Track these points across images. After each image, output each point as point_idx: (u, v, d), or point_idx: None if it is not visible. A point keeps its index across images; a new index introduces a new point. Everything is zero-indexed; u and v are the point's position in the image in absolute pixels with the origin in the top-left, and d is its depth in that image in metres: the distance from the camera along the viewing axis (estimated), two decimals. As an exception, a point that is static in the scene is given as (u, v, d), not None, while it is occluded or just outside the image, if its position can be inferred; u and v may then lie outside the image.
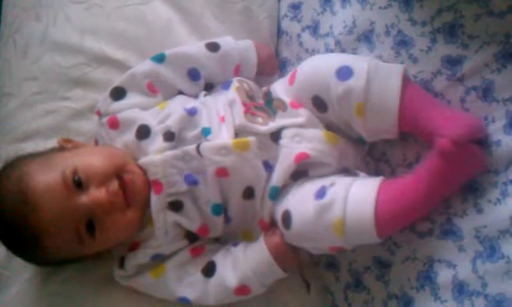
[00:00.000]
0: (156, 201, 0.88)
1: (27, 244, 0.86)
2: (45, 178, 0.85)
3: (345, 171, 0.91)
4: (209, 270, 0.91)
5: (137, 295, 0.94)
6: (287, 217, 0.87)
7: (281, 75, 1.04)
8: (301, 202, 0.87)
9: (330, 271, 0.97)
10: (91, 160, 0.88)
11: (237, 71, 1.03)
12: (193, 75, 1.00)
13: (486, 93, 0.82)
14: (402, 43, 0.90)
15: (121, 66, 1.03)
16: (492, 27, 0.81)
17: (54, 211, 0.83)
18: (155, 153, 0.90)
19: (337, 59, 0.89)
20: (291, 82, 0.94)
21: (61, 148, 0.95)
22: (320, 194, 0.85)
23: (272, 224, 0.92)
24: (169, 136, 0.91)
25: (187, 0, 1.10)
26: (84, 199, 0.84)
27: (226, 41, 1.03)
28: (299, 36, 1.09)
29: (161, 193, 0.88)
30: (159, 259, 0.92)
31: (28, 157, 0.92)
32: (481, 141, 0.81)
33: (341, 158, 0.91)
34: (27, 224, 0.83)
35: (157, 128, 0.91)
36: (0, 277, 1.00)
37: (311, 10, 1.06)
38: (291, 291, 0.97)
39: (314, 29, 1.05)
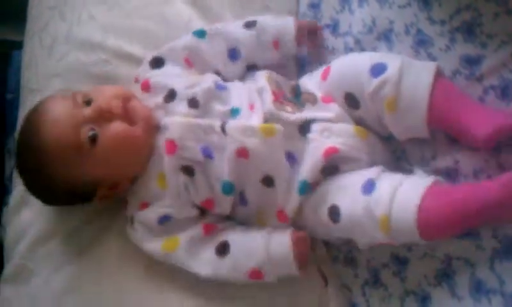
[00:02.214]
0: (169, 161, 0.90)
1: (33, 153, 0.90)
2: (59, 103, 0.93)
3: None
4: (223, 249, 0.91)
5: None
6: (334, 212, 0.86)
7: (302, 74, 1.04)
8: (348, 196, 0.86)
9: (349, 268, 0.98)
10: (103, 89, 0.94)
11: (277, 46, 1.02)
12: (233, 54, 1.02)
13: (505, 92, 0.82)
14: (421, 42, 0.90)
15: (142, 63, 1.04)
16: (511, 26, 0.81)
17: (58, 121, 0.89)
18: (178, 115, 0.92)
19: (372, 57, 0.89)
20: (324, 77, 0.95)
21: None
22: (368, 188, 0.84)
23: (296, 218, 0.92)
24: (193, 103, 0.92)
25: (208, -1, 1.11)
26: (87, 109, 0.89)
27: (263, 18, 1.03)
28: (319, 34, 1.09)
29: (174, 154, 0.90)
30: (169, 227, 0.92)
31: (55, 95, 0.99)
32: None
33: (371, 153, 0.91)
34: (36, 135, 0.89)
35: (183, 92, 0.94)
36: (23, 269, 1.02)
37: (330, 8, 1.07)
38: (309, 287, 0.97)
39: (334, 27, 1.05)
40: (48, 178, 0.91)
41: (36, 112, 0.93)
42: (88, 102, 0.90)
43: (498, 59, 0.82)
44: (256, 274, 0.90)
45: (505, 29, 0.81)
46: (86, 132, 0.88)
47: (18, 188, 1.07)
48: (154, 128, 0.93)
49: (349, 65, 0.93)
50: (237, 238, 0.92)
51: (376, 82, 0.85)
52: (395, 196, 0.80)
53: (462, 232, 0.82)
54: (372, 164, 0.90)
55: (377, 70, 0.86)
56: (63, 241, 1.02)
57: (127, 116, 0.90)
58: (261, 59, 1.03)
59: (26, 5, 1.23)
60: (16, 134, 1.03)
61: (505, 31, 0.81)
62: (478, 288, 0.80)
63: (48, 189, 0.94)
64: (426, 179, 0.83)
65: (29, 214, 1.05)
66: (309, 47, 1.06)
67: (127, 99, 0.92)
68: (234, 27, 1.03)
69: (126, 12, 1.10)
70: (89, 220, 1.02)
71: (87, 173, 0.91)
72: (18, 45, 1.24)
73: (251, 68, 1.03)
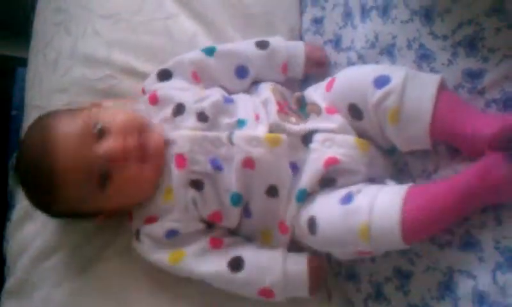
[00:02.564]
0: (178, 175, 0.90)
1: (43, 185, 0.88)
2: (69, 124, 0.89)
3: (373, 181, 0.91)
4: (237, 265, 0.91)
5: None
6: (312, 223, 0.87)
7: (305, 86, 1.04)
8: (326, 208, 0.87)
9: (351, 282, 0.97)
10: (115, 114, 0.92)
11: (285, 70, 1.04)
12: (240, 72, 1.03)
13: (507, 105, 0.81)
14: (424, 56, 0.90)
15: (146, 78, 1.04)
16: (512, 40, 0.81)
17: (70, 153, 0.87)
18: (187, 129, 0.92)
19: (376, 69, 0.90)
20: (328, 89, 0.95)
21: (90, 107, 0.97)
22: (347, 199, 0.85)
23: (293, 231, 0.92)
24: (202, 117, 0.93)
25: (212, 14, 1.12)
26: (102, 146, 0.87)
27: (276, 39, 1.05)
28: (322, 50, 1.10)
29: (184, 168, 0.90)
30: (176, 241, 0.92)
31: (58, 111, 0.96)
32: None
33: (370, 166, 0.91)
34: (45, 161, 0.86)
35: (192, 107, 0.94)
36: (26, 283, 1.02)
37: (333, 24, 1.08)
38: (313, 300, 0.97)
39: (336, 42, 1.06)
40: (54, 200, 0.90)
41: (46, 132, 0.89)
42: (100, 132, 0.88)
43: (500, 73, 0.82)
44: (267, 292, 0.91)
45: (507, 43, 0.81)
46: (98, 169, 0.87)
47: (22, 203, 1.08)
48: (162, 164, 0.92)
49: (353, 77, 0.93)
50: (251, 256, 0.92)
51: (379, 93, 0.86)
52: (375, 203, 0.81)
53: (445, 228, 0.83)
54: (370, 177, 0.91)
55: (381, 81, 0.86)
56: (65, 256, 1.01)
57: (140, 153, 0.89)
58: (267, 78, 1.04)
59: (32, 21, 1.24)
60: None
61: (507, 45, 0.81)
62: (481, 302, 0.79)
63: (52, 207, 0.94)
64: (403, 185, 0.84)
65: (32, 228, 1.05)
66: (314, 72, 1.07)
67: (141, 131, 0.91)
68: (246, 45, 1.05)
69: (131, 27, 1.11)
70: (92, 236, 1.02)
71: (95, 204, 0.91)
72: (23, 62, 1.25)
73: (256, 81, 1.04)
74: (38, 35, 1.21)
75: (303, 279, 0.90)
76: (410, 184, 0.85)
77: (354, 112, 0.91)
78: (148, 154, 0.89)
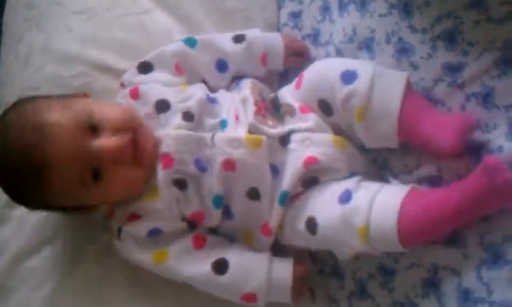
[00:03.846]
0: (163, 174, 0.88)
1: (33, 174, 0.83)
2: (59, 114, 0.85)
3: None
4: (221, 267, 0.90)
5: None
6: (311, 224, 0.87)
7: (284, 84, 1.04)
8: (325, 207, 0.87)
9: (335, 279, 0.97)
10: (109, 109, 0.89)
11: (265, 61, 1.03)
12: (220, 66, 1.02)
13: (487, 99, 0.82)
14: (403, 50, 0.90)
15: (122, 74, 1.02)
16: (491, 34, 0.81)
17: (62, 145, 0.83)
18: (173, 128, 0.90)
19: (343, 63, 0.90)
20: (298, 86, 0.95)
21: (75, 96, 0.95)
22: (345, 198, 0.85)
23: (279, 231, 0.92)
24: (188, 117, 0.91)
25: (188, 9, 1.11)
26: (95, 143, 0.85)
27: (253, 31, 1.04)
28: (300, 44, 1.09)
29: (170, 168, 0.88)
30: (158, 240, 0.91)
31: (42, 96, 0.92)
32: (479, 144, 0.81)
33: (350, 164, 0.91)
34: (35, 151, 0.82)
35: (177, 106, 0.92)
36: (2, 289, 0.99)
37: (311, 18, 1.07)
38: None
39: (315, 37, 1.06)
40: (43, 196, 0.87)
41: (35, 119, 0.84)
42: (93, 129, 0.85)
43: (479, 67, 0.82)
44: (250, 297, 0.90)
45: (486, 36, 0.82)
46: (91, 164, 0.85)
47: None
48: (152, 167, 0.90)
49: (320, 72, 0.93)
50: (236, 259, 0.91)
51: (346, 89, 0.86)
52: (373, 205, 0.81)
53: (445, 235, 0.82)
54: (351, 174, 0.91)
55: (348, 76, 0.86)
56: (43, 258, 1.00)
57: (134, 153, 0.87)
58: (248, 73, 1.03)
59: (1, 17, 1.21)
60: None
61: (486, 39, 0.82)
62: (466, 298, 0.79)
63: (35, 199, 0.90)
64: (403, 187, 0.84)
65: (8, 231, 1.03)
66: (295, 64, 1.06)
67: (135, 129, 0.88)
68: (223, 40, 1.03)
69: (105, 23, 1.09)
70: (71, 237, 1.00)
71: (84, 199, 0.89)
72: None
73: (237, 77, 1.03)
74: (8, 31, 1.18)
75: (286, 285, 0.90)
76: (412, 186, 0.84)
77: (324, 107, 0.91)
78: (141, 154, 0.88)
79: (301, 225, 0.88)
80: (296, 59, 1.05)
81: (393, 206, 0.80)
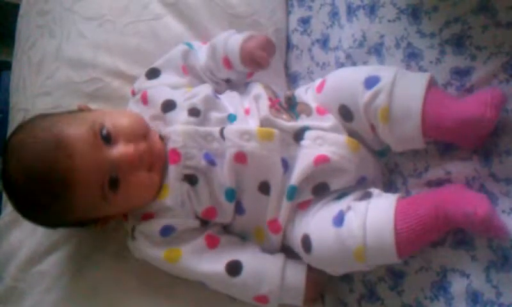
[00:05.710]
0: (173, 170, 0.89)
1: (55, 189, 0.83)
2: (76, 128, 0.86)
3: (362, 182, 0.91)
4: (234, 269, 0.90)
5: None
6: (306, 241, 0.88)
7: (292, 89, 1.04)
8: (320, 227, 0.87)
9: (344, 282, 0.97)
10: (118, 118, 0.90)
11: (228, 64, 1.00)
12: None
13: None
14: (412, 55, 0.90)
15: (134, 80, 1.04)
16: (499, 38, 0.81)
17: (85, 159, 0.83)
18: (179, 124, 0.91)
19: (366, 70, 0.90)
20: (319, 90, 0.95)
21: (81, 110, 0.96)
22: (339, 220, 0.85)
23: (285, 233, 0.92)
24: (194, 112, 0.92)
25: (198, 15, 1.12)
26: (113, 152, 0.86)
27: (220, 34, 1.03)
28: (310, 50, 1.10)
29: (178, 163, 0.89)
30: (172, 239, 0.91)
31: (52, 113, 0.93)
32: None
33: (360, 167, 0.91)
34: (59, 168, 0.82)
35: (183, 103, 0.93)
36: (14, 291, 1.00)
37: (320, 24, 1.08)
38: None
39: (324, 42, 1.06)
40: (62, 212, 0.87)
41: (51, 136, 0.84)
42: (107, 138, 0.86)
43: (487, 71, 0.82)
44: (263, 299, 0.91)
45: (494, 40, 0.82)
46: (109, 176, 0.85)
47: (8, 208, 1.06)
48: (164, 169, 0.90)
49: (343, 78, 0.93)
50: (249, 261, 0.92)
51: (369, 93, 0.86)
52: (366, 225, 0.82)
53: (444, 233, 0.83)
54: (360, 178, 0.91)
55: (371, 81, 0.86)
56: (55, 261, 1.00)
57: (149, 158, 0.88)
58: (222, 75, 1.02)
59: (15, 24, 1.22)
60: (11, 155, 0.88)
61: (494, 43, 0.82)
62: (475, 300, 0.80)
63: (57, 220, 0.91)
64: (390, 198, 0.85)
65: (20, 234, 1.04)
66: (253, 70, 1.02)
67: (145, 135, 0.90)
68: (203, 49, 1.04)
69: (116, 29, 1.09)
70: (83, 241, 1.01)
71: (102, 211, 0.90)
72: (8, 65, 1.24)
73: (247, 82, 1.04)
74: (21, 38, 1.19)
75: (299, 291, 0.91)
76: (396, 196, 0.85)
77: (345, 113, 0.91)
78: (154, 158, 0.89)
79: (298, 241, 0.90)
80: (255, 67, 0.99)
81: (388, 222, 0.81)
